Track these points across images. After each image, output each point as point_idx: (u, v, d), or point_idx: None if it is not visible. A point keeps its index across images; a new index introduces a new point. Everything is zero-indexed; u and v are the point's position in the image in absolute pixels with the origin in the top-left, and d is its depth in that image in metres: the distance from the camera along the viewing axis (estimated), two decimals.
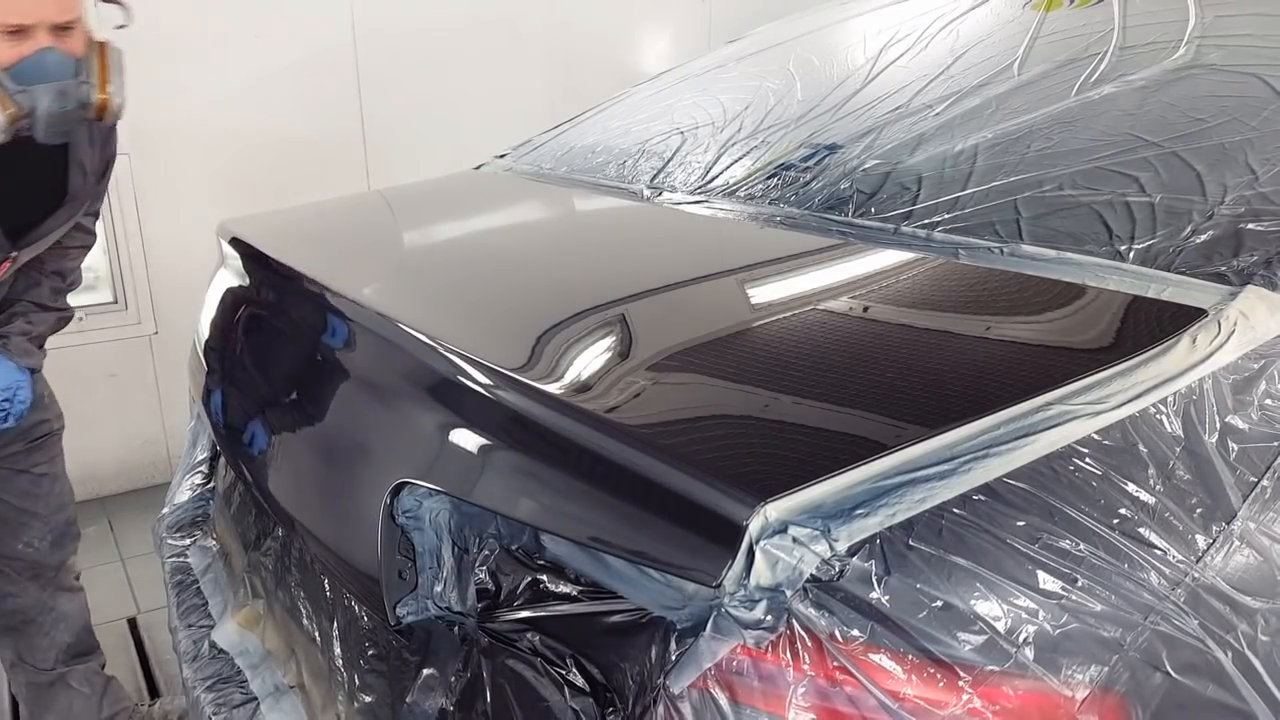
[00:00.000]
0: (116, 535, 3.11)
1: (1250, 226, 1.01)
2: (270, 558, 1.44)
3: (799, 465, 0.75)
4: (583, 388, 0.91)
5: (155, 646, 2.52)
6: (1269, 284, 0.93)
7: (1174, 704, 0.73)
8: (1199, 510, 0.79)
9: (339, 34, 3.41)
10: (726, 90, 1.91)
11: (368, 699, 1.14)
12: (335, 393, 1.19)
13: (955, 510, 0.73)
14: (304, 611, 1.31)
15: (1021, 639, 0.70)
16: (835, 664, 0.69)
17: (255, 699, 1.35)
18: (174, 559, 1.71)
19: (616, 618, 0.82)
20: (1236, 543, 0.79)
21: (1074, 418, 0.79)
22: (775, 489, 0.71)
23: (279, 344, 1.35)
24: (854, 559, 0.70)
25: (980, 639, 0.69)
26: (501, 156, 2.13)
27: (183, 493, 1.82)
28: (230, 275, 1.57)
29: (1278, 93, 1.20)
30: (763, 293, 1.17)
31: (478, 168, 2.11)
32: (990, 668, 0.69)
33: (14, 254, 1.69)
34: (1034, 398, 0.80)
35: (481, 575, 0.95)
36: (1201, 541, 0.78)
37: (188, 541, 1.73)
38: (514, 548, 0.93)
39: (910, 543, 0.71)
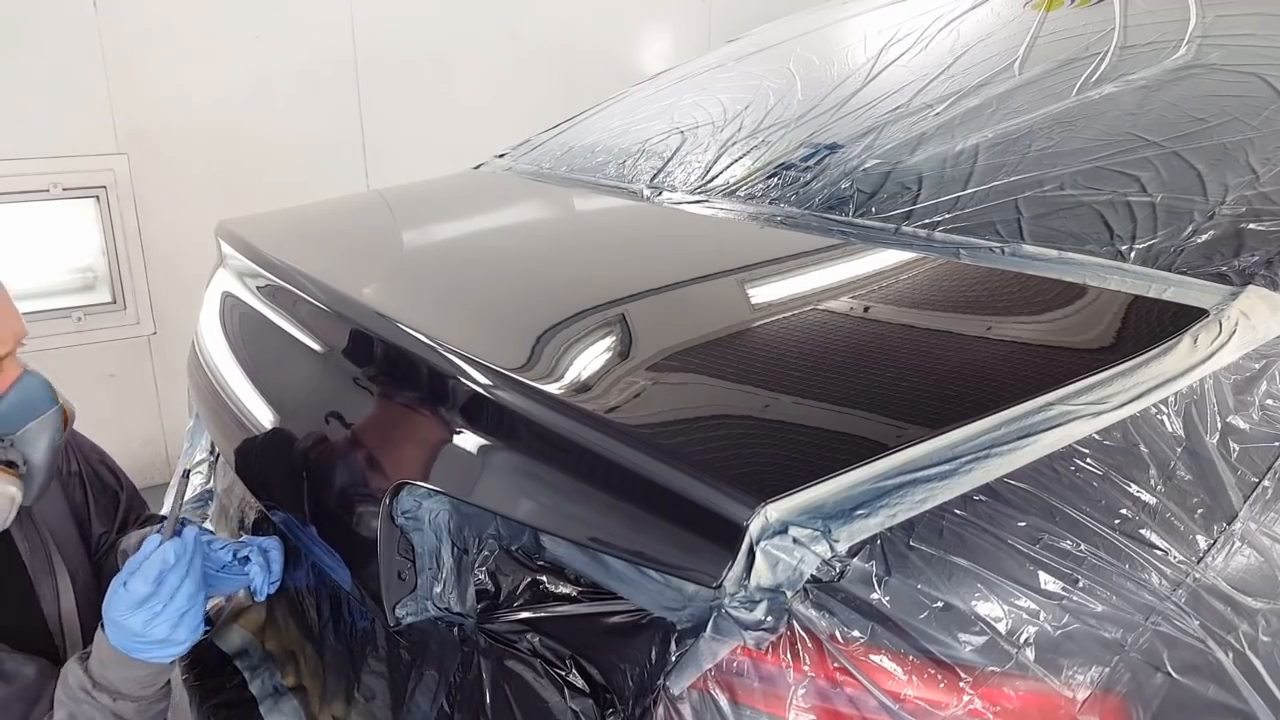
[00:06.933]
0: None
1: (1251, 226, 1.00)
2: None
3: (799, 465, 0.75)
4: (583, 388, 0.90)
5: None
6: (1270, 284, 0.93)
7: (1175, 705, 0.73)
8: (1200, 511, 0.79)
9: (338, 34, 3.41)
10: (726, 90, 1.91)
11: (368, 700, 1.14)
12: (334, 393, 1.18)
13: (956, 511, 0.72)
14: (304, 613, 1.31)
15: (1022, 640, 0.69)
16: (836, 665, 0.69)
17: (255, 701, 1.35)
18: None
19: (616, 619, 0.82)
20: (1238, 543, 0.79)
21: (1075, 418, 0.79)
22: (776, 489, 0.70)
23: (277, 345, 1.34)
24: (854, 559, 0.70)
25: (981, 640, 0.69)
26: (501, 156, 2.13)
27: None
28: (229, 275, 1.57)
29: (1278, 92, 1.20)
30: (763, 293, 1.17)
31: (477, 167, 2.11)
32: (991, 669, 0.68)
33: None
34: (1035, 398, 0.80)
35: (481, 576, 0.95)
36: (1203, 542, 0.78)
37: None
38: (513, 548, 0.93)
39: (911, 543, 0.71)
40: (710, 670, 0.72)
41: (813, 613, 0.69)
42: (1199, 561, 0.77)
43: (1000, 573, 0.71)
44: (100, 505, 1.45)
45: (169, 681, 1.17)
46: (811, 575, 0.69)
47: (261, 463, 1.30)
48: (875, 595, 0.69)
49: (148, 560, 1.10)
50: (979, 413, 0.78)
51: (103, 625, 1.10)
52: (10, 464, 1.16)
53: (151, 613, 1.08)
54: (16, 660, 1.15)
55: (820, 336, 1.00)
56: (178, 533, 1.13)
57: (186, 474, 1.29)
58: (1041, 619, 0.70)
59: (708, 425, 0.84)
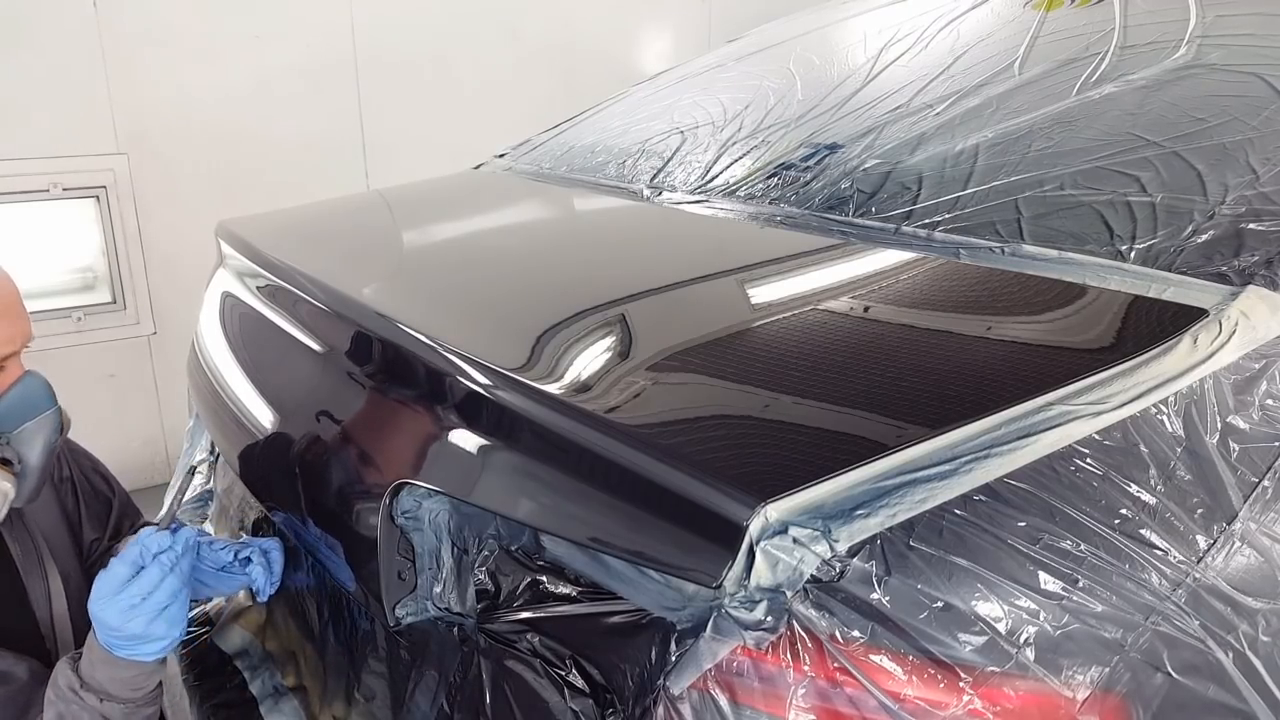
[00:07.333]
0: None
1: (1251, 226, 1.00)
2: None
3: (799, 465, 0.75)
4: (583, 388, 0.90)
5: None
6: (1270, 284, 0.93)
7: (1175, 705, 0.73)
8: (1200, 511, 0.79)
9: (338, 34, 3.41)
10: (726, 89, 1.91)
11: (368, 700, 1.14)
12: (334, 393, 1.18)
13: (956, 511, 0.72)
14: (304, 613, 1.31)
15: (1022, 640, 0.69)
16: (836, 665, 0.69)
17: (255, 701, 1.35)
18: None
19: (616, 619, 0.82)
20: (1237, 543, 0.79)
21: (1075, 418, 0.79)
22: (776, 489, 0.70)
23: (277, 345, 1.35)
24: (854, 560, 0.70)
25: (981, 640, 0.69)
26: (501, 156, 2.13)
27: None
28: (229, 275, 1.57)
29: (1278, 92, 1.20)
30: (763, 293, 1.17)
31: (477, 167, 2.11)
32: (991, 669, 0.68)
33: None
34: (1035, 398, 0.80)
35: (481, 576, 0.95)
36: (1202, 542, 0.78)
37: None
38: (513, 548, 0.93)
39: (911, 543, 0.71)
40: (710, 670, 0.72)
41: (813, 613, 0.69)
42: (1199, 561, 0.77)
43: (1000, 573, 0.71)
44: (92, 511, 1.44)
45: (160, 685, 1.16)
46: (811, 575, 0.69)
47: (261, 463, 1.30)
48: (875, 595, 0.69)
49: (131, 544, 1.10)
50: (979, 413, 0.78)
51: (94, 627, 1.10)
52: (5, 461, 1.16)
53: (129, 604, 1.06)
54: (8, 660, 1.14)
55: (820, 337, 1.00)
56: (173, 529, 1.13)
57: (192, 471, 1.28)
58: (1041, 619, 0.70)
59: (707, 425, 0.84)
